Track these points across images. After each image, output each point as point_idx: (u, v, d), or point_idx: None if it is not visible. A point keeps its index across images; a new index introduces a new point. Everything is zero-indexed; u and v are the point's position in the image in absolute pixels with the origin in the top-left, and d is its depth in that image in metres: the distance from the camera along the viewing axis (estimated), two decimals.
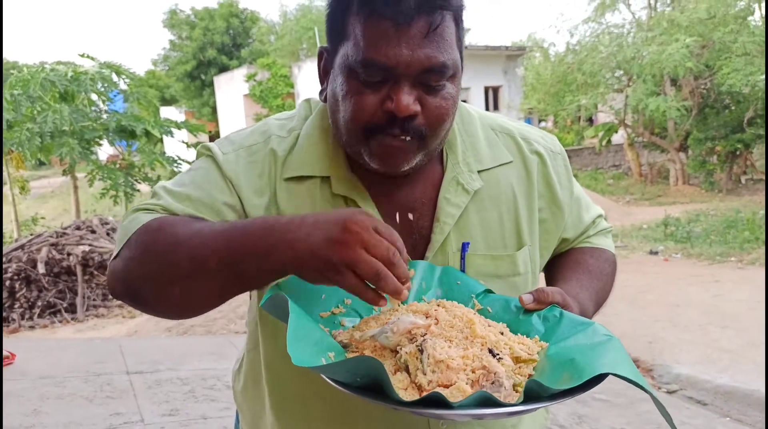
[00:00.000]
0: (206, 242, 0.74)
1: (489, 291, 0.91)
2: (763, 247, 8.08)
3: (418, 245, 0.92)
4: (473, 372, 0.70)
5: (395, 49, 0.78)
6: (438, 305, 0.82)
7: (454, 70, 0.82)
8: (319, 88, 0.95)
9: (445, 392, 0.66)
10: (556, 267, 1.04)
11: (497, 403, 0.64)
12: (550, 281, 1.03)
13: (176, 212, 0.84)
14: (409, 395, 0.68)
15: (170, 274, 0.75)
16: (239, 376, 1.08)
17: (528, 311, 0.85)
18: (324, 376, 0.68)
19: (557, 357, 0.77)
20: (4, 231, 11.34)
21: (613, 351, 0.74)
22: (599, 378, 0.68)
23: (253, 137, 0.93)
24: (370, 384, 0.66)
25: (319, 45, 0.96)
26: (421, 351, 0.70)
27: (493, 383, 0.69)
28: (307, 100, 1.01)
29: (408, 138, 0.82)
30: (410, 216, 0.91)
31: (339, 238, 0.68)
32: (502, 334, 0.80)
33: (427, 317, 0.78)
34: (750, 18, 13.94)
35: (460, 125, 0.97)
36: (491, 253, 0.93)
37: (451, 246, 0.91)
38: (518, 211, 0.96)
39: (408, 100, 0.79)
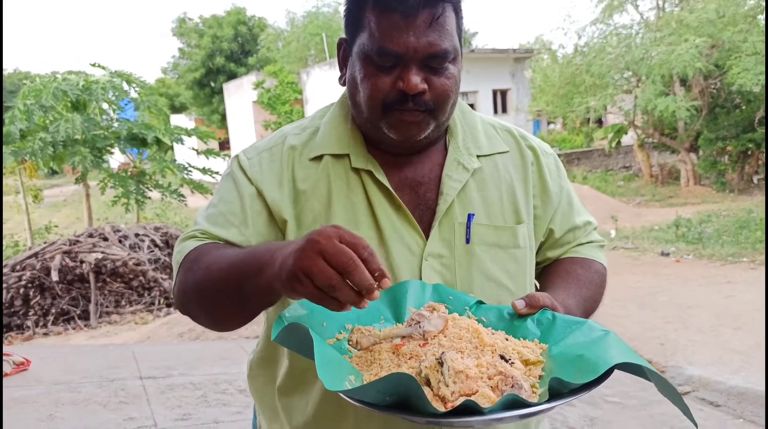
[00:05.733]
0: (223, 268, 0.88)
1: (480, 302, 0.94)
2: None
3: (425, 216, 1.01)
4: (490, 378, 0.73)
5: (404, 37, 0.90)
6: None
7: (455, 54, 0.95)
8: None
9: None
10: (546, 276, 1.11)
11: (526, 404, 0.67)
12: (540, 289, 1.08)
13: (212, 232, 0.99)
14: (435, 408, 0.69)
15: (204, 295, 0.91)
16: (253, 365, 1.13)
17: (521, 316, 0.89)
18: (348, 398, 0.68)
19: (562, 356, 0.79)
20: (18, 239, 11.46)
21: (617, 344, 0.77)
22: (610, 370, 0.71)
23: (272, 141, 1.07)
24: (398, 401, 0.68)
25: (338, 38, 1.07)
26: (441, 364, 0.72)
27: (512, 387, 0.72)
28: (327, 105, 1.12)
29: (420, 113, 0.94)
30: (418, 190, 1.02)
31: (301, 247, 0.72)
32: (507, 340, 0.83)
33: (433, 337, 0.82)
34: (760, 17, 13.84)
35: (461, 118, 1.08)
36: (493, 223, 1.03)
37: (456, 217, 1.01)
38: (515, 193, 1.06)
39: (416, 80, 0.91)
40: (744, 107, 14.48)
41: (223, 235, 0.98)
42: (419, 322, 0.82)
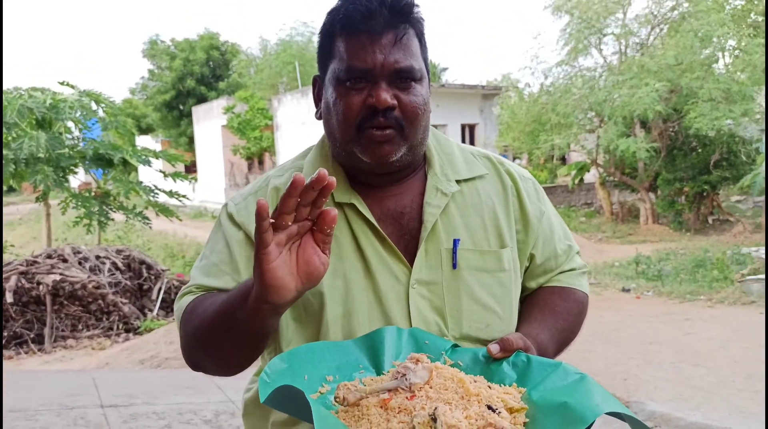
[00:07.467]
0: (216, 308, 0.93)
1: (456, 345, 0.96)
2: (732, 287, 8.29)
3: (410, 245, 1.03)
4: None
5: (371, 55, 0.96)
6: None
7: (421, 74, 1.00)
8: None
9: None
10: (524, 307, 1.12)
11: None
12: (518, 320, 1.10)
13: (206, 284, 1.02)
14: None
15: (204, 339, 0.95)
16: (249, 403, 1.12)
17: (496, 359, 0.92)
18: None
19: (544, 401, 0.81)
20: None
21: (596, 389, 0.80)
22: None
23: (257, 185, 1.11)
24: None
25: (308, 77, 1.08)
26: (435, 419, 0.73)
27: None
28: (308, 147, 1.15)
29: (391, 131, 0.97)
30: (401, 220, 1.05)
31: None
32: (489, 387, 0.84)
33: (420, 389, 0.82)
34: (714, 66, 14.56)
35: (437, 145, 1.11)
36: (478, 248, 1.05)
37: (442, 243, 1.03)
38: (498, 218, 1.08)
39: (385, 95, 0.95)
40: (700, 151, 15.09)
41: (217, 285, 1.01)
42: (404, 375, 0.82)
